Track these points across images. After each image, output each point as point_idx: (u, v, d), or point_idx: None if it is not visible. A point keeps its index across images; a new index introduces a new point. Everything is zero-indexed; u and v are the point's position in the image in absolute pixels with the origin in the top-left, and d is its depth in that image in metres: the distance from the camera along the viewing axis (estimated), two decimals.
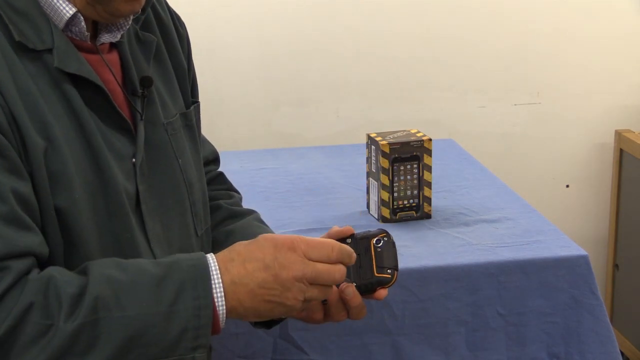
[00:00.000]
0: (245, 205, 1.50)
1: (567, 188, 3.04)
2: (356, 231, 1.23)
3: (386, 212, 1.98)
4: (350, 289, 1.18)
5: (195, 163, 1.29)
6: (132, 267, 1.07)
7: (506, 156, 2.96)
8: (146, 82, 1.21)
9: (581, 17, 2.91)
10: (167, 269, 1.07)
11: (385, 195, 1.98)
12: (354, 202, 2.10)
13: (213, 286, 1.07)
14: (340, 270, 1.11)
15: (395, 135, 2.01)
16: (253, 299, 1.08)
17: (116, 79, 1.18)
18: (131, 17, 1.19)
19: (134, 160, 1.17)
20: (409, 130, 2.04)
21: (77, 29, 1.14)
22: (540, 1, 2.88)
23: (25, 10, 1.10)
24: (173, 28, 1.32)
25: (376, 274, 1.19)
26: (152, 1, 1.27)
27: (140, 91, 1.20)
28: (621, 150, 2.86)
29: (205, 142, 1.47)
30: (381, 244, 1.20)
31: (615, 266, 2.92)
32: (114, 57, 1.20)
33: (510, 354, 1.80)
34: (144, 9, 1.24)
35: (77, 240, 1.10)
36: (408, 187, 1.98)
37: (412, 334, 1.77)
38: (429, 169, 1.99)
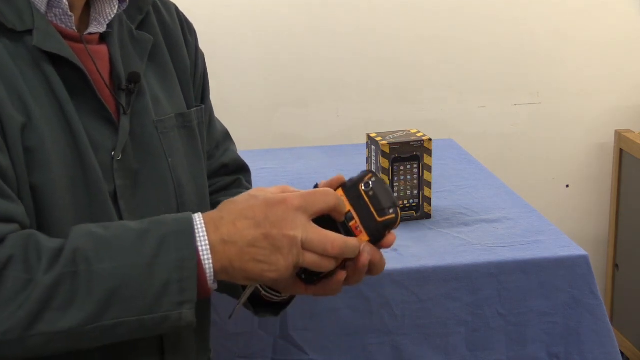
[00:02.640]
0: None
1: (567, 188, 3.04)
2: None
3: None
4: (368, 246, 1.09)
5: (191, 165, 1.27)
6: (115, 224, 1.06)
7: (506, 156, 2.96)
8: (134, 77, 1.19)
9: (581, 17, 2.91)
10: (150, 224, 1.04)
11: None
12: None
13: (198, 240, 1.03)
14: (334, 238, 1.04)
15: (395, 135, 2.01)
16: (242, 259, 1.03)
17: (98, 71, 1.16)
18: (116, 6, 1.19)
19: (113, 153, 1.15)
20: (409, 130, 2.04)
21: (59, 10, 1.13)
22: (541, 1, 2.88)
23: None
24: (181, 35, 1.32)
25: (379, 219, 1.09)
26: (151, 3, 1.27)
27: (126, 85, 1.18)
28: (621, 150, 2.86)
29: (228, 151, 1.45)
30: (371, 186, 1.10)
31: (615, 266, 2.92)
32: (102, 49, 1.19)
33: (510, 354, 1.80)
34: (141, 10, 1.25)
35: (51, 221, 1.08)
36: (408, 187, 1.98)
37: (412, 334, 1.77)
38: (429, 169, 1.99)
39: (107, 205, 1.12)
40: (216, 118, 1.45)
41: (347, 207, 1.09)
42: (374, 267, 1.10)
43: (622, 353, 2.69)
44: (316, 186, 1.11)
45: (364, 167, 2.08)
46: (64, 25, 1.14)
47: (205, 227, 1.04)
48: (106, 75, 1.18)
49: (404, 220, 1.98)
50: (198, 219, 1.04)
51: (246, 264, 1.03)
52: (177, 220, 1.04)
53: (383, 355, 1.77)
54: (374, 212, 1.09)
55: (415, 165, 1.98)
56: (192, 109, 1.30)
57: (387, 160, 1.96)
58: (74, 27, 1.15)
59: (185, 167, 1.25)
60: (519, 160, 2.98)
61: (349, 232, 1.08)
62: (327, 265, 1.05)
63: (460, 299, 1.77)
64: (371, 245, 1.09)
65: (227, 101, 2.83)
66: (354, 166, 2.31)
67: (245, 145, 2.78)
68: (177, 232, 1.03)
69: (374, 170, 1.12)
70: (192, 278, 1.01)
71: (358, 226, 1.08)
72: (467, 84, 2.91)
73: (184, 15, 1.36)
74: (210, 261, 1.03)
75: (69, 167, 1.10)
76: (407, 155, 1.98)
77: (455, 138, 2.70)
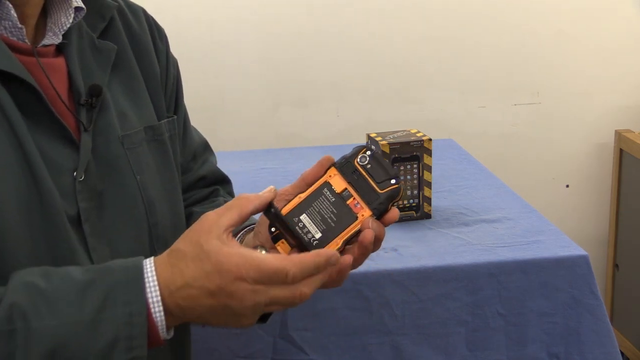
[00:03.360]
0: None
1: (567, 188, 3.04)
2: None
3: None
4: (374, 222, 1.03)
5: (164, 181, 1.19)
6: (58, 274, 0.95)
7: (506, 156, 2.96)
8: (95, 90, 1.11)
9: (581, 17, 2.91)
10: (96, 273, 0.95)
11: None
12: None
13: (148, 290, 0.94)
14: (301, 294, 0.95)
15: (395, 135, 2.01)
16: (203, 319, 0.97)
17: (53, 86, 1.07)
18: (72, 16, 1.11)
19: (75, 174, 1.07)
20: (409, 130, 2.04)
21: (9, 23, 1.05)
22: (541, 1, 2.88)
23: None
24: (150, 40, 1.24)
25: (381, 191, 1.04)
26: (115, 9, 1.20)
27: (85, 99, 1.10)
28: (621, 150, 2.86)
29: (207, 162, 1.38)
30: (367, 160, 1.05)
31: (615, 266, 2.92)
32: (58, 62, 1.11)
33: (510, 354, 1.79)
34: (104, 17, 1.18)
35: (1, 253, 0.98)
36: (408, 187, 1.98)
37: (412, 334, 1.77)
38: (429, 169, 1.99)
39: (65, 230, 1.04)
40: (193, 128, 1.38)
41: (343, 184, 1.04)
42: (377, 243, 1.04)
43: (622, 353, 2.69)
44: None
45: None
46: (15, 38, 1.06)
47: (159, 283, 0.95)
48: (64, 90, 1.10)
49: (404, 220, 1.98)
50: (149, 265, 0.96)
51: (208, 321, 0.98)
52: (125, 268, 0.95)
53: (383, 355, 1.77)
54: (374, 185, 1.04)
55: (415, 165, 1.98)
56: (163, 121, 1.22)
57: (387, 160, 1.96)
58: (26, 40, 1.07)
59: (157, 183, 1.18)
60: (519, 160, 2.98)
61: (344, 209, 1.03)
62: (297, 304, 0.97)
63: (460, 299, 1.77)
64: (376, 221, 1.03)
65: (227, 101, 2.83)
66: None
67: (245, 145, 2.79)
68: (125, 284, 0.93)
69: (365, 145, 1.08)
70: (142, 334, 0.93)
71: (358, 202, 1.03)
72: (467, 84, 2.91)
73: (153, 20, 1.29)
74: (162, 314, 0.95)
75: (22, 193, 1.01)
76: (407, 155, 1.97)
77: (455, 138, 2.70)
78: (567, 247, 1.83)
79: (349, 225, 1.02)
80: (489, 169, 2.36)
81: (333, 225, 1.02)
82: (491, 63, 2.90)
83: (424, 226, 1.96)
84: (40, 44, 1.09)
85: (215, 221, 0.97)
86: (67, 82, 1.11)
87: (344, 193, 1.04)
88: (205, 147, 1.40)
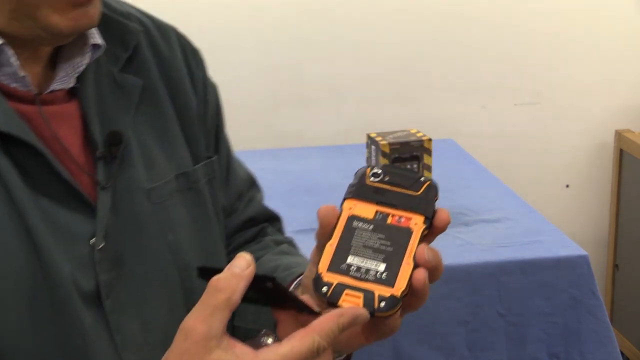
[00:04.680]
0: None
1: (567, 188, 3.04)
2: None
3: None
4: (430, 251, 0.85)
5: (202, 237, 1.01)
6: None
7: (506, 156, 2.96)
8: (114, 138, 0.94)
9: (581, 17, 2.91)
10: None
11: None
12: None
13: None
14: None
15: (395, 135, 2.01)
16: None
17: (59, 140, 0.91)
18: (88, 55, 0.94)
19: (92, 241, 0.90)
20: (409, 130, 2.04)
21: (9, 69, 0.89)
22: (541, 2, 2.88)
23: None
24: (183, 67, 1.06)
25: (417, 193, 0.87)
26: (140, 34, 1.01)
27: (102, 151, 0.93)
28: (621, 150, 2.86)
29: (253, 201, 1.17)
30: (380, 174, 0.87)
31: (615, 266, 2.92)
32: (70, 109, 0.94)
33: (510, 354, 1.80)
34: (127, 46, 0.99)
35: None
36: None
37: (412, 334, 1.77)
38: (429, 169, 1.99)
39: (77, 312, 0.88)
40: (238, 162, 1.19)
41: (372, 208, 0.86)
42: (436, 272, 0.87)
43: (622, 353, 2.69)
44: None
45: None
46: (17, 85, 0.90)
47: None
48: (77, 141, 0.93)
49: None
50: None
51: None
52: None
53: (383, 355, 1.77)
54: (408, 191, 0.87)
55: (415, 165, 1.98)
56: (199, 165, 1.03)
57: (387, 160, 1.97)
58: (31, 87, 0.91)
59: (192, 241, 1.00)
60: (519, 160, 2.98)
61: (391, 230, 0.85)
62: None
63: (460, 299, 1.77)
64: (431, 248, 0.87)
65: (227, 101, 2.82)
66: (354, 166, 2.31)
67: (245, 145, 2.78)
68: None
69: (366, 166, 0.90)
70: None
71: (400, 217, 0.86)
72: (468, 83, 2.91)
73: (187, 41, 1.10)
74: None
75: (23, 275, 0.86)
76: (407, 155, 1.98)
77: (455, 138, 2.70)
78: (567, 247, 1.84)
79: (409, 241, 0.87)
80: (489, 169, 2.36)
81: (391, 249, 0.86)
82: (491, 63, 2.90)
83: None
84: (49, 90, 0.92)
85: (207, 334, 0.74)
86: (82, 131, 0.94)
87: (377, 217, 0.86)
88: (251, 184, 1.19)
